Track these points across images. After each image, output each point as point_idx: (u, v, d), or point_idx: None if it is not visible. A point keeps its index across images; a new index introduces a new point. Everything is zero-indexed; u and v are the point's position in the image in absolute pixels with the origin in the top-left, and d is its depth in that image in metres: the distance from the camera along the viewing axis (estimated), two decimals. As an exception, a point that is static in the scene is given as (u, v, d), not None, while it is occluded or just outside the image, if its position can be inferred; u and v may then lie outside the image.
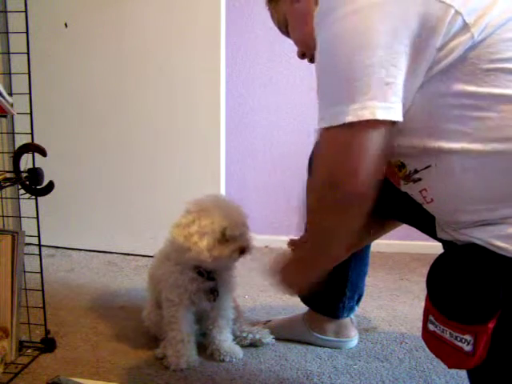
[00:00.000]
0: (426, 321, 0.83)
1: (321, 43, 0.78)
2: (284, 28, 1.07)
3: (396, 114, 0.73)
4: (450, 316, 0.78)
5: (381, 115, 0.72)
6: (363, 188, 0.76)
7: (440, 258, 0.84)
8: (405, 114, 0.75)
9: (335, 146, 0.77)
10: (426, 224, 0.96)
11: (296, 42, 1.02)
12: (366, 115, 0.72)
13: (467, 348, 0.76)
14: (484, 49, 0.73)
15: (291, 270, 1.00)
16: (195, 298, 1.30)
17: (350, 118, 0.72)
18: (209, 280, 1.30)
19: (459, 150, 0.76)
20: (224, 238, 1.22)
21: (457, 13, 0.72)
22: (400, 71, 0.73)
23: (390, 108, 0.73)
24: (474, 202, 0.78)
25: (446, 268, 0.82)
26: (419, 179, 0.84)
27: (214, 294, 1.31)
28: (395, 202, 0.99)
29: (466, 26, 0.72)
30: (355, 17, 0.73)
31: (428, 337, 0.83)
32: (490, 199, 0.76)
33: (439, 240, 0.92)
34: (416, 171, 0.83)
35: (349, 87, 0.73)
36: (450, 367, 0.83)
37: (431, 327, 0.82)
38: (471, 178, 0.77)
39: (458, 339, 0.77)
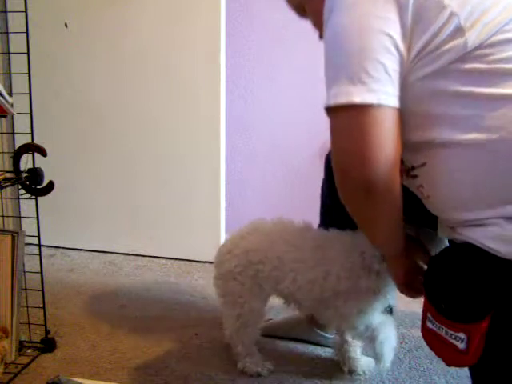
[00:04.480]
0: (424, 318, 0.85)
1: (325, 36, 0.82)
2: (301, 11, 1.08)
3: (394, 101, 0.76)
4: (445, 314, 0.79)
5: (380, 100, 0.74)
6: (373, 175, 0.76)
7: (437, 256, 0.85)
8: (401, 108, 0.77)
9: (339, 132, 0.78)
10: (431, 223, 0.96)
11: (314, 24, 1.04)
12: (368, 99, 0.73)
13: (461, 346, 0.77)
14: (481, 50, 0.74)
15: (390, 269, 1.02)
16: None
17: (351, 99, 0.74)
18: None
19: (450, 146, 0.77)
20: None
21: (453, 14, 0.74)
22: (394, 60, 0.75)
23: (387, 93, 0.75)
24: (463, 201, 0.79)
25: (441, 266, 0.83)
26: (416, 176, 0.85)
27: None
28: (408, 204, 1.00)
29: (460, 29, 0.73)
30: (350, 11, 0.76)
31: (426, 334, 0.85)
32: (478, 199, 0.77)
33: None
34: (413, 168, 0.85)
35: (348, 70, 0.75)
36: (447, 364, 0.85)
37: (429, 325, 0.83)
38: (460, 177, 0.78)
39: (453, 337, 0.78)
